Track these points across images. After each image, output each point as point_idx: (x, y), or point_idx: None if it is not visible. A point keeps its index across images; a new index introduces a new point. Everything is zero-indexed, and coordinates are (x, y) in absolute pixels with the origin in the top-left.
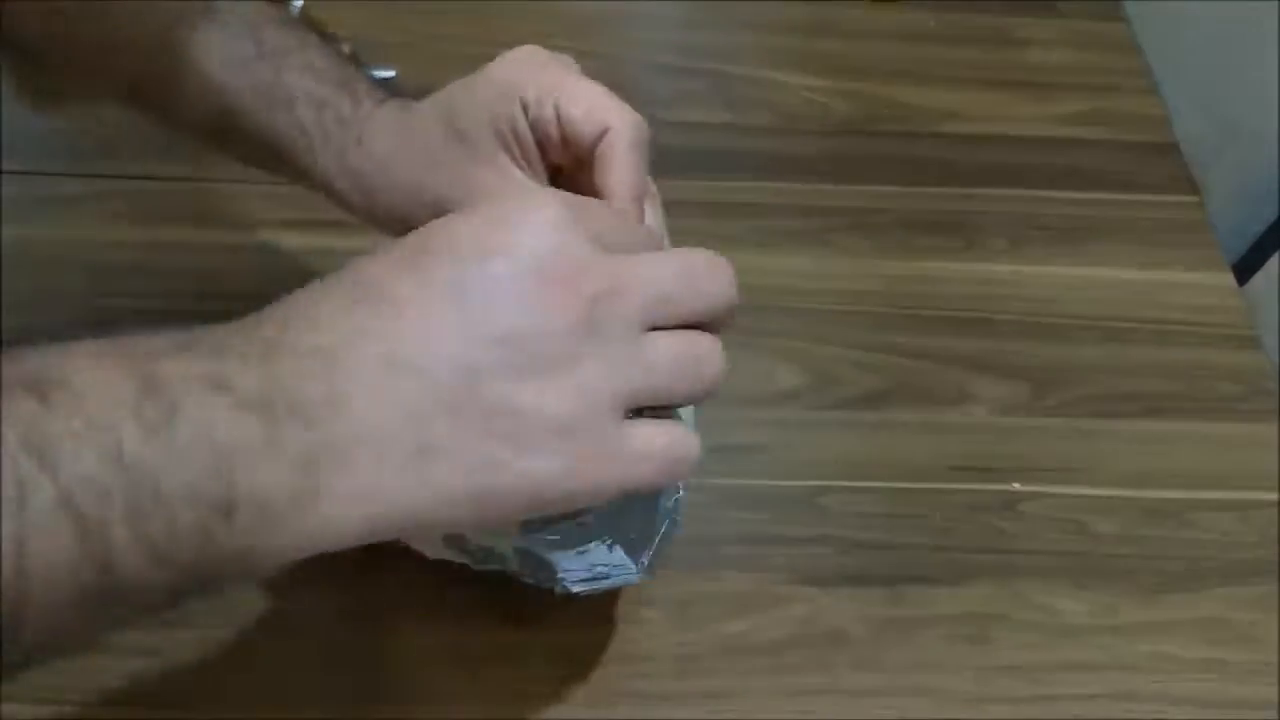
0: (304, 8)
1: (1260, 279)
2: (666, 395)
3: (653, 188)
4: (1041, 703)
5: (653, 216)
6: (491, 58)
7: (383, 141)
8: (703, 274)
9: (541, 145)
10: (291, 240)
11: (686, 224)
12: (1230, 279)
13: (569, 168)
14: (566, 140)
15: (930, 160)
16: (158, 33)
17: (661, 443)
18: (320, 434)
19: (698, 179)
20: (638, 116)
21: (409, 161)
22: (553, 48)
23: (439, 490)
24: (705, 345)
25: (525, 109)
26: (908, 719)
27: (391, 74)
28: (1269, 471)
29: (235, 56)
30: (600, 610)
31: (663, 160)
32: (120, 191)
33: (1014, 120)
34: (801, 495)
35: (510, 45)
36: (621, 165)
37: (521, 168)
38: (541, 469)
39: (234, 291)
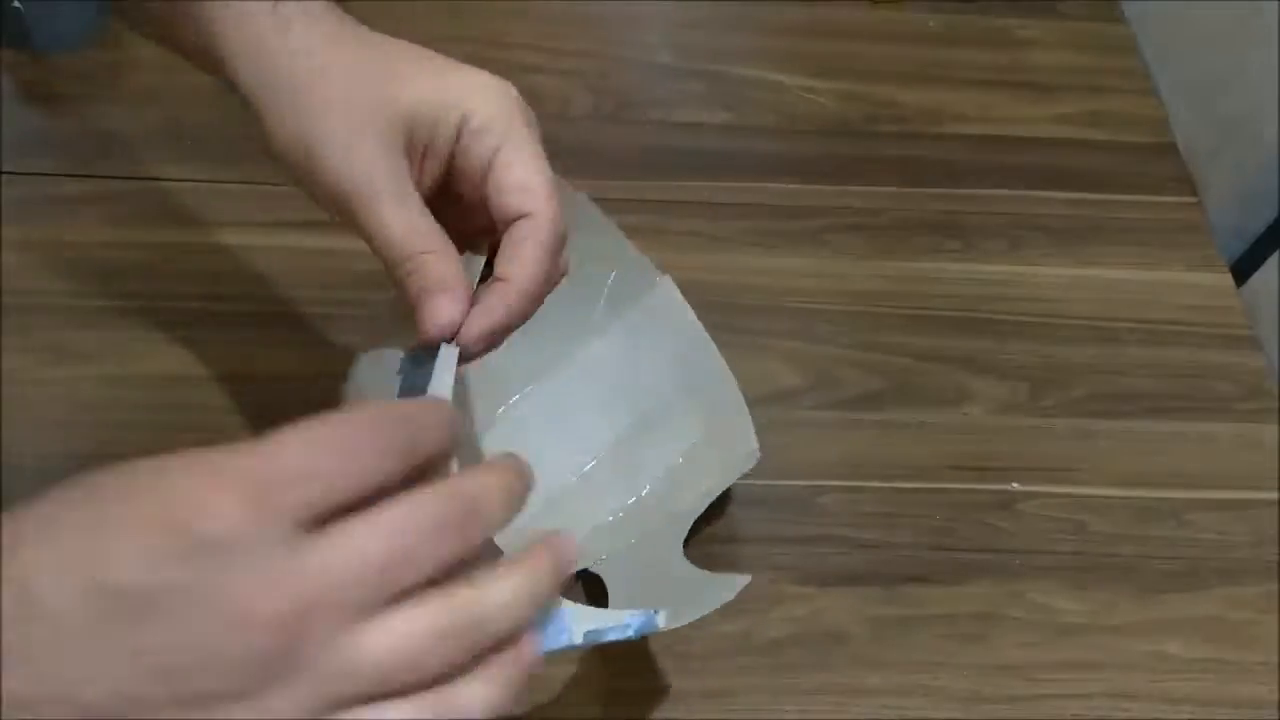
0: None
1: (1258, 279)
2: (394, 691)
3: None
4: (1039, 702)
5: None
6: (491, 58)
7: (307, 33)
8: (424, 540)
9: (450, 167)
10: (291, 240)
11: (686, 224)
12: (1228, 279)
13: (468, 201)
14: (482, 194)
15: (929, 161)
16: None
17: None
18: None
19: (697, 179)
20: (559, 213)
21: (320, 82)
22: (553, 48)
23: None
24: (431, 630)
25: (459, 133)
26: (906, 718)
27: None
28: (1267, 471)
29: None
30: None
31: (663, 161)
32: (120, 192)
33: (1013, 121)
34: (800, 495)
35: (511, 46)
36: (529, 260)
37: (412, 168)
38: None
39: (234, 292)
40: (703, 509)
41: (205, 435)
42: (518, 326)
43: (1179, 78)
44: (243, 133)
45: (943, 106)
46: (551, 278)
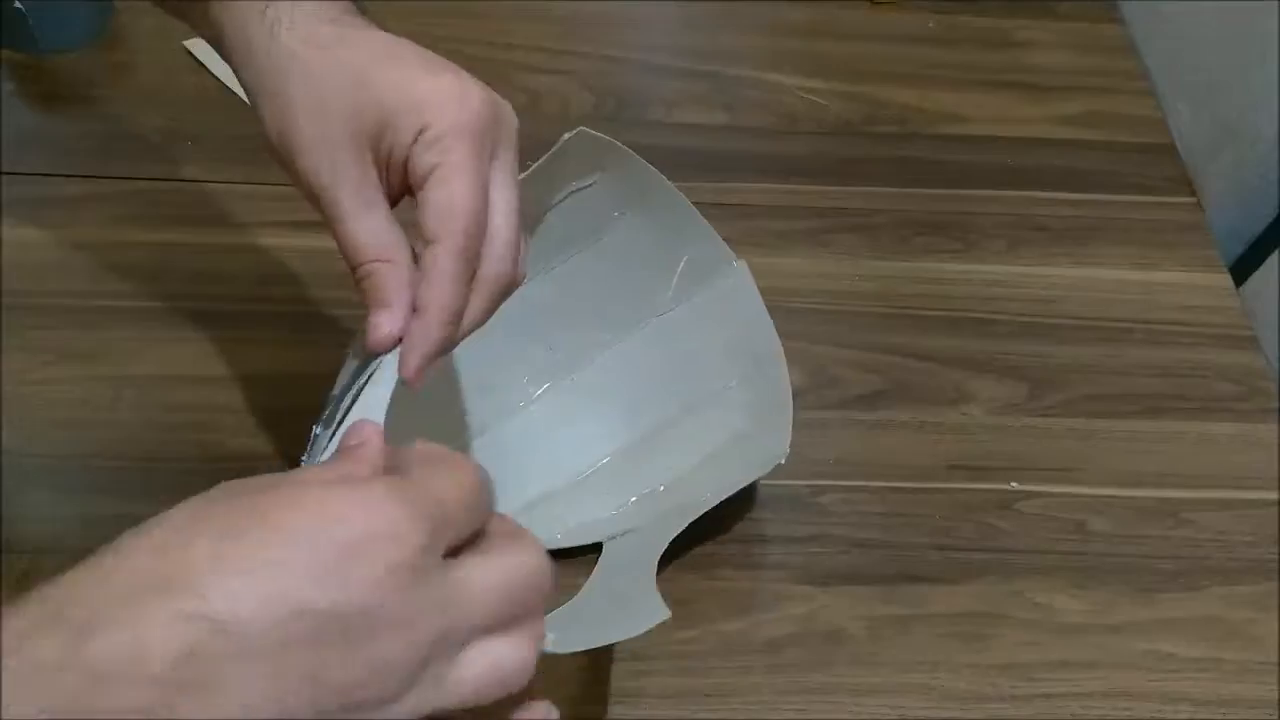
0: None
1: (1257, 279)
2: (467, 704)
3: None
4: (1039, 701)
5: (470, 317)
6: (492, 58)
7: (291, 35)
8: (523, 593)
9: (406, 174)
10: (291, 240)
11: None
12: (1227, 279)
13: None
14: (417, 205)
15: (929, 161)
16: None
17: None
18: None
19: (697, 180)
20: (472, 245)
21: (301, 86)
22: (553, 48)
23: None
24: (513, 664)
25: (415, 141)
26: (906, 717)
27: None
28: (1266, 471)
29: None
30: None
31: (663, 161)
32: (120, 192)
33: (1012, 122)
34: (800, 494)
35: (510, 46)
36: (430, 284)
37: (381, 174)
38: None
39: (234, 292)
40: (715, 503)
41: (205, 435)
42: (450, 347)
43: (1178, 78)
44: (242, 133)
45: (942, 107)
46: (487, 295)
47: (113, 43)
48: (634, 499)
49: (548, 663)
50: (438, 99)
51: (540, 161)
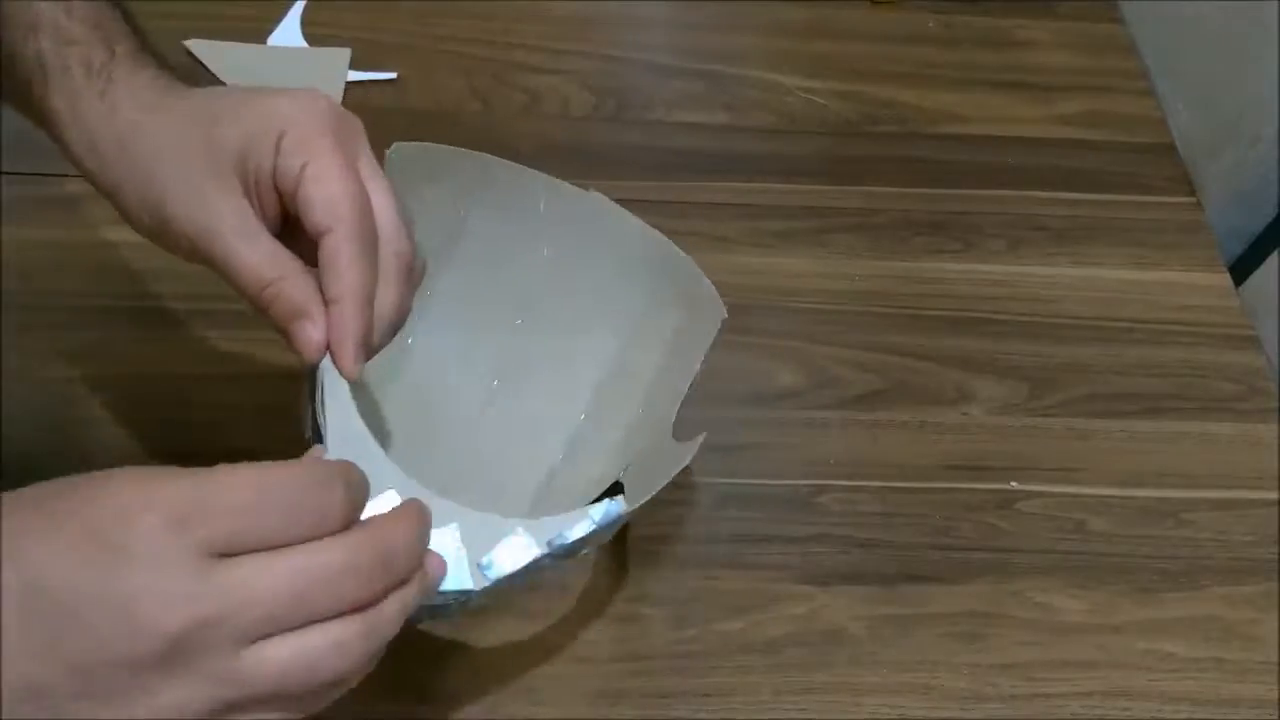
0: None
1: (1257, 279)
2: (276, 703)
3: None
4: (1039, 700)
5: (386, 303)
6: (492, 58)
7: (130, 110)
8: (323, 589)
9: (276, 190)
10: None
11: (686, 225)
12: (1227, 279)
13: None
14: (296, 210)
15: (928, 161)
16: None
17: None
18: None
19: (697, 180)
20: (365, 225)
21: (152, 145)
22: (553, 48)
23: None
24: (320, 648)
25: (277, 151)
26: (905, 717)
27: (392, 76)
28: (1266, 470)
29: None
30: (600, 608)
31: (663, 161)
32: None
33: (1012, 121)
34: (800, 494)
35: (510, 46)
36: (346, 274)
37: (253, 203)
38: None
39: (234, 292)
40: (694, 377)
41: (206, 435)
42: (385, 331)
43: (1178, 78)
44: None
45: (942, 107)
46: (395, 273)
47: None
48: (622, 434)
49: (548, 661)
50: (287, 109)
51: None
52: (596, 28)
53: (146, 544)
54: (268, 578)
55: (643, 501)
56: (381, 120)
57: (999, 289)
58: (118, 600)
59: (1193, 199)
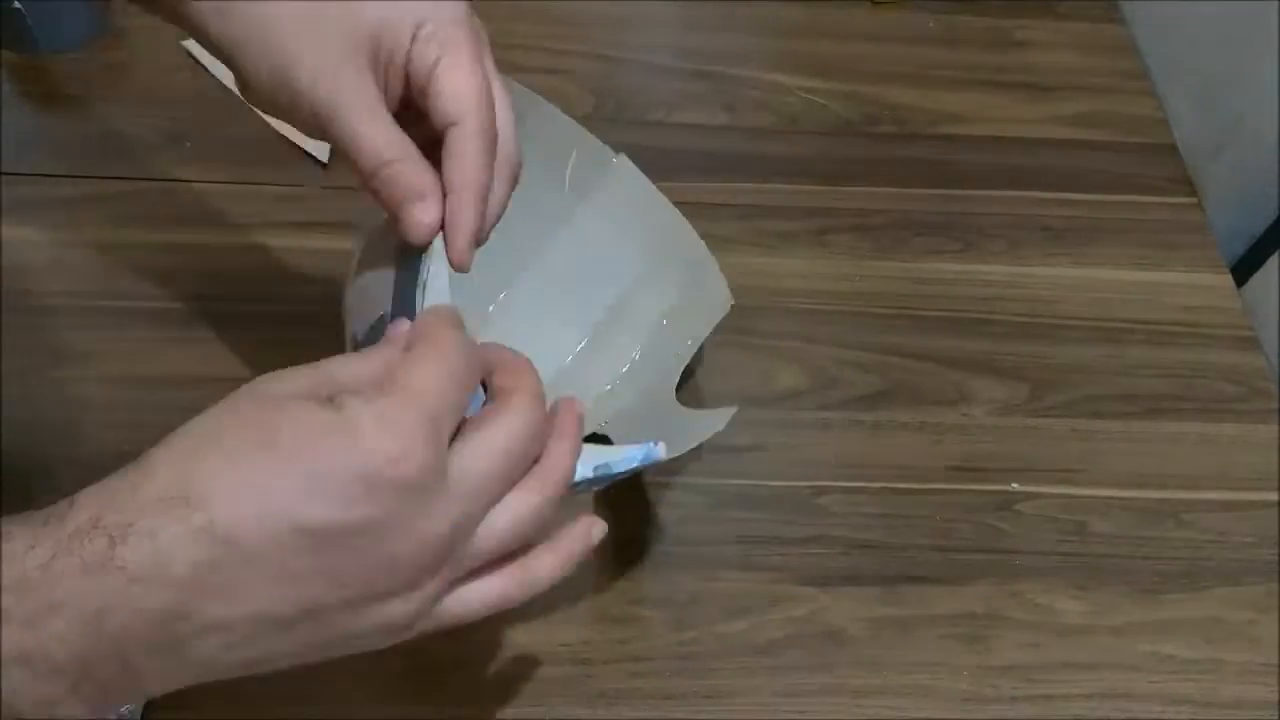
0: None
1: (1258, 280)
2: (491, 560)
3: (513, 160)
4: (1039, 702)
5: (496, 199)
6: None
7: None
8: (523, 454)
9: (406, 75)
10: (291, 240)
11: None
12: (1228, 280)
13: (417, 107)
14: (426, 94)
15: (929, 162)
16: None
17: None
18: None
19: (698, 180)
20: (490, 121)
21: (287, 12)
22: (553, 48)
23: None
24: (531, 517)
25: (412, 42)
26: (906, 718)
27: None
28: (1267, 471)
29: None
30: (600, 609)
31: (663, 162)
32: (120, 192)
33: (1013, 122)
34: (801, 495)
35: (510, 47)
36: (466, 166)
37: (379, 84)
38: (363, 648)
39: (234, 292)
40: (689, 357)
41: None
42: (489, 227)
43: (1178, 78)
44: (241, 134)
45: (942, 107)
46: (505, 175)
47: (112, 43)
48: (609, 386)
49: (548, 661)
50: (429, 10)
51: None
52: (596, 28)
53: (427, 470)
54: (485, 463)
55: (681, 452)
56: None
57: (999, 289)
58: (396, 524)
59: (1193, 199)
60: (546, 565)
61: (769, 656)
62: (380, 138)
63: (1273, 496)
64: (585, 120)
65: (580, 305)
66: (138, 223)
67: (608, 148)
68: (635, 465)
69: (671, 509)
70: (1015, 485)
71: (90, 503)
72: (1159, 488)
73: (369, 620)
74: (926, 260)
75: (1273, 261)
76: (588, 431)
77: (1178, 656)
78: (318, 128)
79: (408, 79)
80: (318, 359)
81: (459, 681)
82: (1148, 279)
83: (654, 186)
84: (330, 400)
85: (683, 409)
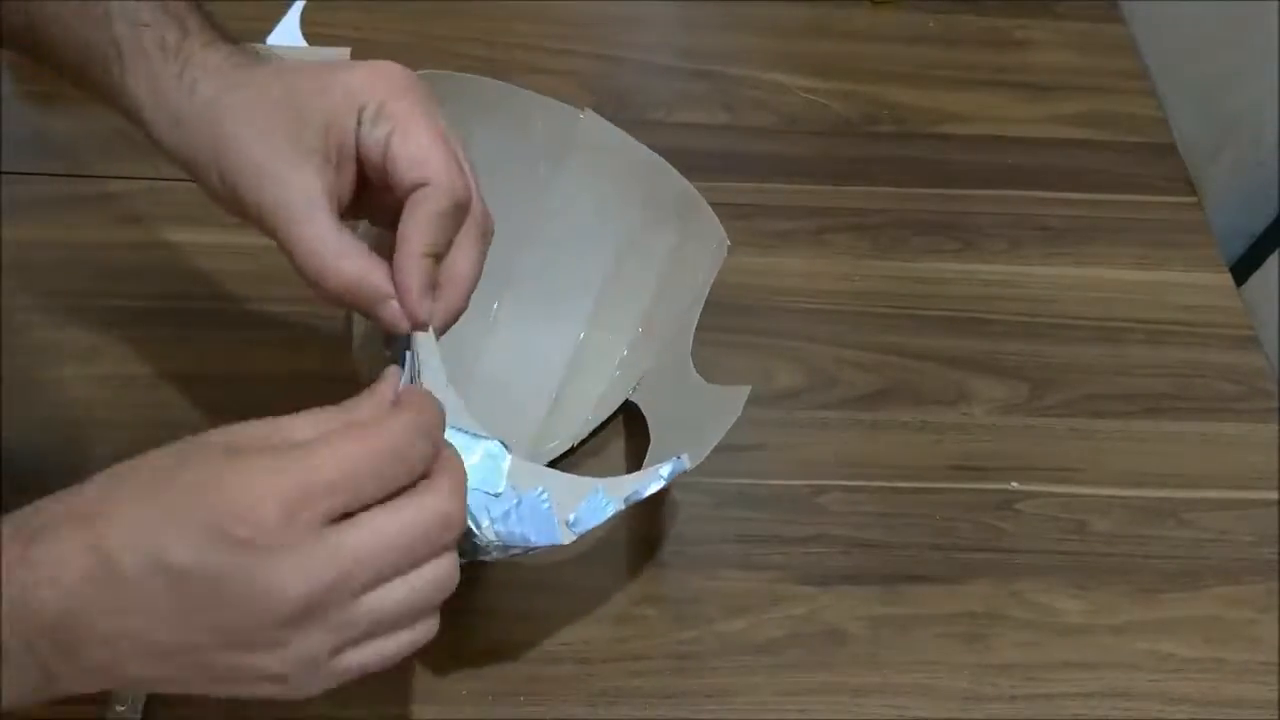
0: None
1: (1258, 279)
2: (387, 632)
3: (480, 229)
4: (1039, 701)
5: (469, 263)
6: (492, 58)
7: (208, 88)
8: (422, 539)
9: (360, 159)
10: None
11: None
12: (1228, 279)
13: (377, 185)
14: (385, 170)
15: (929, 161)
16: None
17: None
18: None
19: (697, 180)
20: (459, 180)
21: (232, 122)
22: (553, 48)
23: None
24: (424, 587)
25: (359, 122)
26: (906, 717)
27: None
28: (1267, 470)
29: None
30: (600, 609)
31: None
32: (119, 192)
33: (1012, 121)
34: (800, 495)
35: (510, 46)
36: (422, 226)
37: (331, 173)
38: (261, 693)
39: (234, 292)
40: (701, 304)
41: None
42: (466, 295)
43: (1178, 78)
44: None
45: (942, 106)
46: (477, 232)
47: None
48: (626, 351)
49: (548, 661)
50: (362, 81)
51: None
52: (596, 28)
53: (268, 532)
54: (373, 539)
55: (703, 458)
56: None
57: (999, 289)
58: (245, 580)
59: (1193, 199)
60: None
61: (769, 655)
62: (314, 236)
63: (1273, 496)
64: None
65: (583, 273)
66: (138, 223)
67: (569, 105)
68: (664, 483)
69: (671, 508)
70: (1015, 484)
71: (40, 505)
72: (1159, 487)
73: (245, 666)
74: (926, 260)
75: (1272, 261)
76: (618, 404)
77: (1177, 655)
78: (264, 230)
79: (363, 162)
80: (317, 359)
81: (458, 681)
82: (1148, 278)
83: (628, 135)
84: (238, 452)
85: (698, 379)
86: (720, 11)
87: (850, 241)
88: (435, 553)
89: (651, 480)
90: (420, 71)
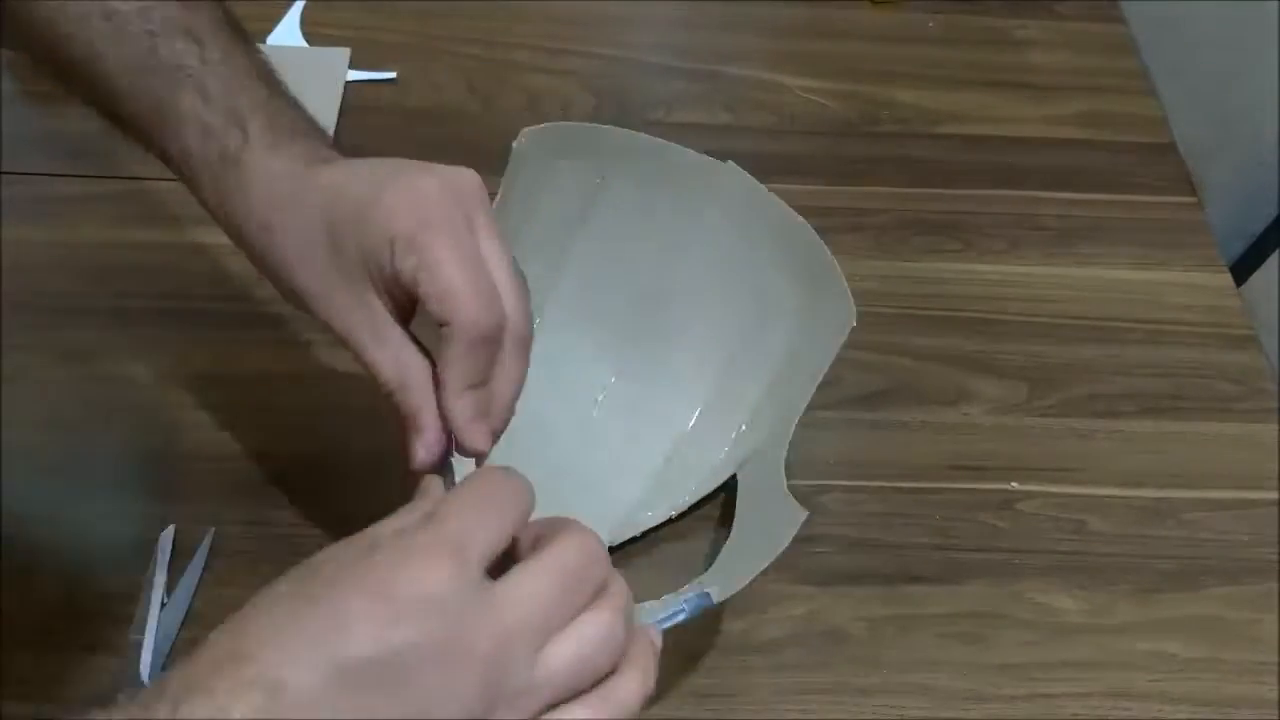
0: (304, 9)
1: (1258, 279)
2: (568, 693)
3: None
4: (1039, 701)
5: (508, 383)
6: (492, 58)
7: (263, 207)
8: (579, 578)
9: (406, 290)
10: None
11: None
12: (1228, 279)
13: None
14: (423, 307)
15: (929, 161)
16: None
17: None
18: None
19: None
20: (484, 314)
21: (282, 247)
22: (553, 48)
23: None
24: (593, 637)
25: (392, 253)
26: (906, 717)
27: (392, 76)
28: (1266, 471)
29: (128, 63)
30: None
31: None
32: (120, 192)
33: (1012, 121)
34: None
35: (511, 46)
36: (453, 365)
37: (382, 298)
38: None
39: (234, 292)
40: (812, 394)
41: (206, 434)
42: (508, 412)
43: (1178, 78)
44: None
45: (942, 106)
46: (517, 354)
47: None
48: (744, 425)
49: None
50: (392, 207)
51: (504, 180)
52: (596, 28)
53: (444, 588)
54: (535, 582)
55: (732, 593)
56: (381, 120)
57: (999, 289)
58: (435, 645)
59: (1193, 199)
60: (628, 684)
61: (769, 655)
62: (382, 362)
63: (1273, 496)
64: (586, 119)
65: (714, 335)
66: (138, 223)
67: (711, 158)
68: (684, 619)
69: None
70: (1015, 484)
71: (162, 678)
72: (1158, 487)
73: None
74: (926, 259)
75: (1272, 260)
76: (725, 478)
77: (1177, 656)
78: (336, 337)
79: (406, 291)
80: (316, 358)
81: None
82: (1147, 278)
83: (769, 191)
84: (369, 547)
85: (784, 492)
86: (720, 11)
87: (850, 241)
88: (591, 596)
89: (669, 615)
90: (558, 124)
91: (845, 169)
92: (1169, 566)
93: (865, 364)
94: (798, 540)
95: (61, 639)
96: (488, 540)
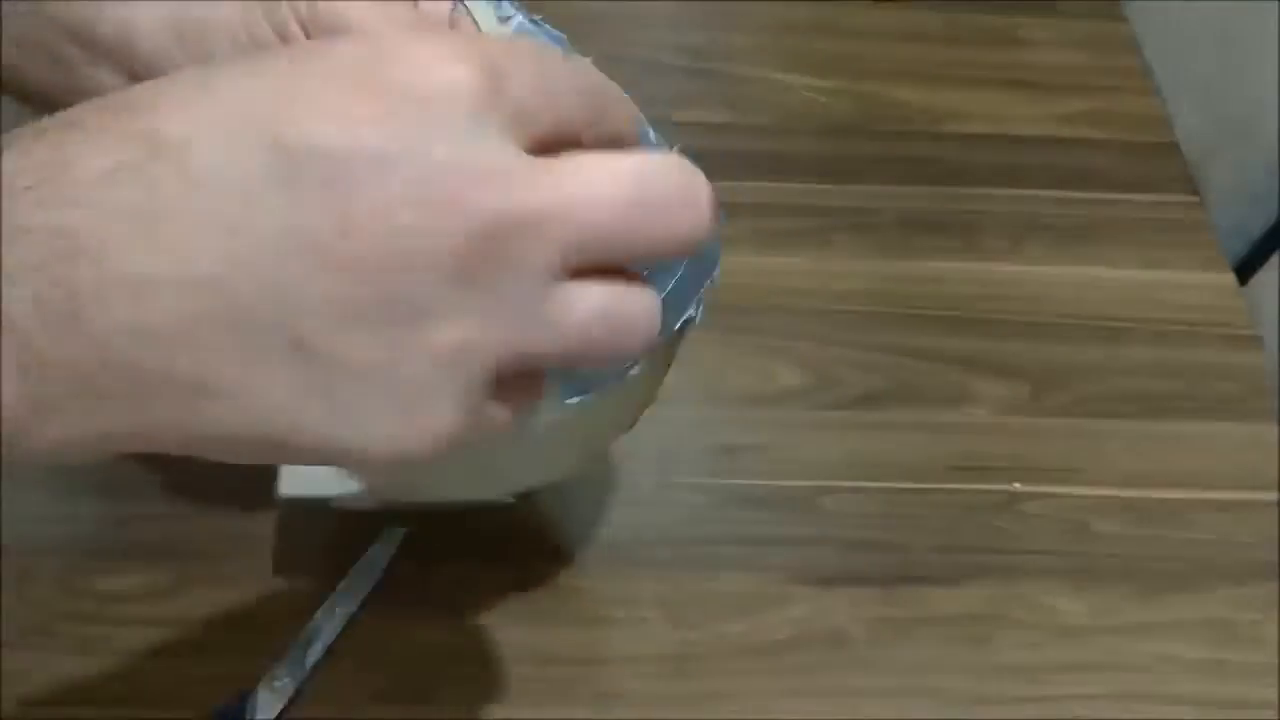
0: None
1: (1260, 279)
2: (570, 363)
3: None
4: (1041, 703)
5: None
6: None
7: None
8: (665, 208)
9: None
10: None
11: None
12: (1230, 279)
13: None
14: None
15: (930, 160)
16: None
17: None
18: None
19: None
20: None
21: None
22: None
23: (214, 429)
24: (638, 306)
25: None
26: (910, 719)
27: None
28: (1269, 472)
29: None
30: (600, 610)
31: None
32: None
33: (1014, 120)
34: (801, 495)
35: None
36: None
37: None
38: (350, 436)
39: None
40: None
41: None
42: None
43: (1180, 77)
44: None
45: (945, 105)
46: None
47: None
48: None
49: (547, 661)
50: None
51: None
52: (597, 27)
53: (455, 90)
54: (605, 183)
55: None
56: None
57: (1001, 288)
58: (413, 164)
59: (1196, 198)
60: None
61: (769, 657)
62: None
63: (1274, 496)
64: None
65: None
66: None
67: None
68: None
69: (671, 509)
70: (1017, 485)
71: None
72: (1161, 487)
73: (362, 355)
74: (928, 259)
75: (1274, 260)
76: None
77: (1180, 657)
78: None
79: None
80: None
81: (457, 682)
82: (1149, 278)
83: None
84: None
85: None
86: (721, 9)
87: (852, 240)
88: (664, 244)
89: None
90: None
91: (847, 167)
92: (1171, 568)
93: (865, 364)
94: (799, 541)
95: (62, 639)
96: (535, 89)
